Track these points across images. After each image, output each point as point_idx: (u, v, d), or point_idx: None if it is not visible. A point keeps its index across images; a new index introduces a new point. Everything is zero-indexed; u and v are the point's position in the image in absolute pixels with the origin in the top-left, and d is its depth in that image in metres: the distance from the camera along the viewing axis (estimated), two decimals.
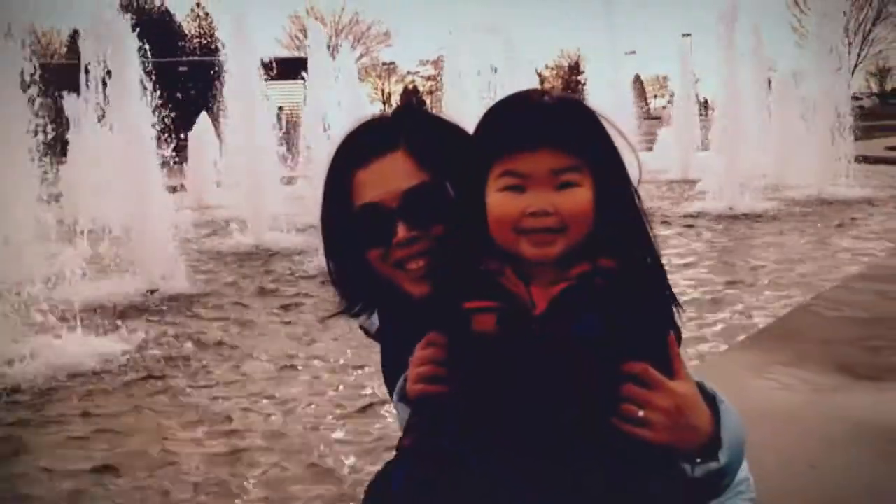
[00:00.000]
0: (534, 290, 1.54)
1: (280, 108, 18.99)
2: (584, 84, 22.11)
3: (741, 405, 1.77)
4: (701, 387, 1.64)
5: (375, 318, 2.03)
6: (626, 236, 1.59)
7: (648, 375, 1.53)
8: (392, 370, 1.92)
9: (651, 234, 1.63)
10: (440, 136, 1.82)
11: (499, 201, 1.55)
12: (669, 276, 1.65)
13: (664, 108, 34.78)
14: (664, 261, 1.67)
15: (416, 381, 1.63)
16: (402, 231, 1.78)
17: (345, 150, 1.91)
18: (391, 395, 1.92)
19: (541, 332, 1.51)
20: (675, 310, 1.62)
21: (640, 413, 1.51)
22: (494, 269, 1.57)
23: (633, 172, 1.63)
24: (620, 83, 27.06)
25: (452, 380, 1.58)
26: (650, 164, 19.97)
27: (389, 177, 1.80)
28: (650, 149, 24.27)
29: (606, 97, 23.20)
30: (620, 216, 1.58)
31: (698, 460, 1.59)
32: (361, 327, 2.08)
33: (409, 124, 1.88)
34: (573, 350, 1.48)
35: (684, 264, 9.17)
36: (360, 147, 1.88)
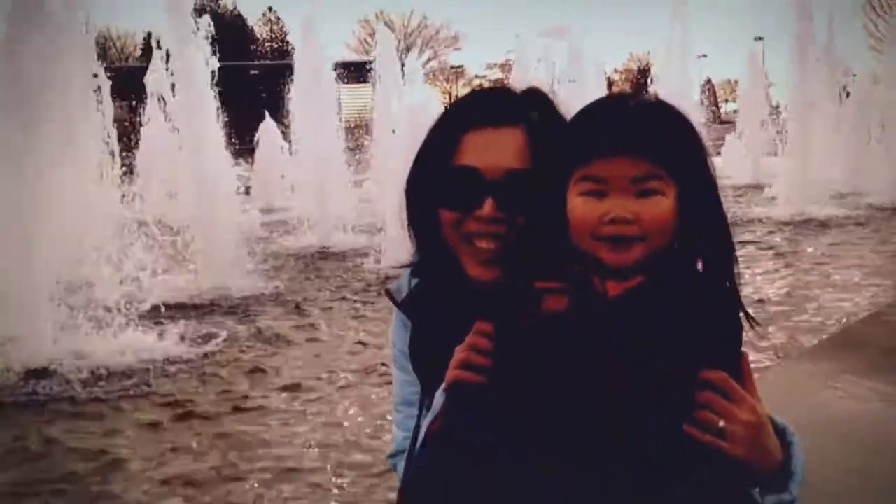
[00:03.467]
0: (609, 283, 1.52)
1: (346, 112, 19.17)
2: (653, 88, 21.76)
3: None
4: (770, 417, 1.56)
5: (405, 285, 1.93)
6: (708, 246, 1.55)
7: (729, 386, 1.47)
8: (422, 348, 1.85)
9: (734, 247, 1.57)
10: (557, 129, 1.70)
11: (579, 206, 1.53)
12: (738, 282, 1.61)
13: (735, 112, 34.19)
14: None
15: (456, 366, 1.58)
16: (488, 207, 1.69)
17: (462, 108, 1.83)
18: (416, 370, 1.87)
19: (610, 317, 1.47)
20: (749, 325, 1.56)
21: (721, 423, 1.44)
22: (572, 267, 1.54)
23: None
24: (690, 87, 26.74)
25: (493, 371, 1.54)
26: (719, 169, 19.69)
27: (499, 149, 1.71)
28: (718, 153, 23.95)
29: (675, 101, 22.86)
30: (704, 225, 1.55)
31: (770, 490, 1.51)
32: (387, 291, 1.95)
33: (535, 106, 1.78)
34: (639, 344, 1.43)
35: (752, 270, 9.03)
36: (480, 110, 1.78)
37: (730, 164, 21.71)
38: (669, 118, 1.56)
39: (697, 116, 23.46)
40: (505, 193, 1.69)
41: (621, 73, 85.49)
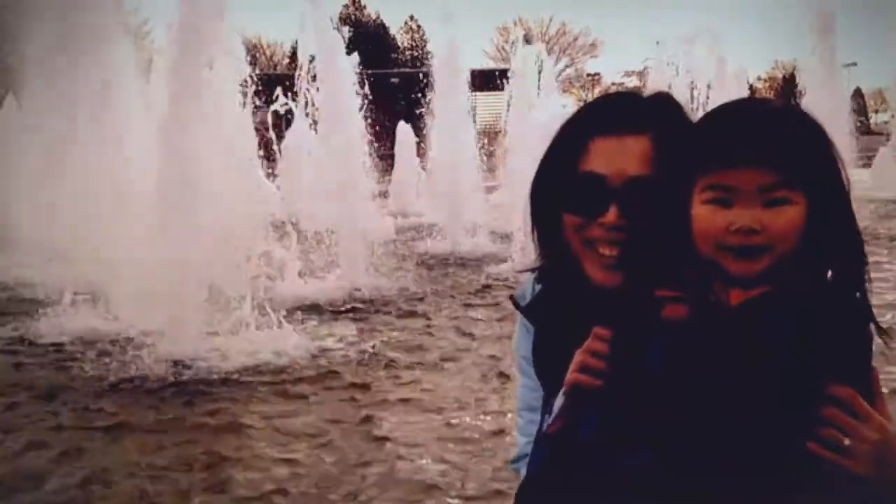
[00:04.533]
0: (732, 293, 1.50)
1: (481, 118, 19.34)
2: (801, 97, 21.02)
3: None
4: None
5: (528, 291, 1.95)
6: (838, 257, 1.51)
7: (856, 402, 1.43)
8: (545, 354, 1.87)
9: (865, 258, 1.53)
10: (684, 135, 1.68)
11: (703, 215, 1.50)
12: (881, 297, 1.56)
13: (886, 123, 32.61)
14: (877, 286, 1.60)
15: (574, 370, 1.60)
16: (612, 214, 1.71)
17: (590, 114, 1.84)
18: (539, 376, 1.88)
19: (732, 326, 1.45)
20: (880, 340, 1.51)
21: (847, 441, 1.41)
22: (695, 276, 1.53)
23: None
24: (838, 96, 25.68)
25: (610, 375, 1.55)
26: (867, 182, 18.85)
27: (625, 156, 1.72)
28: (867, 165, 22.89)
29: (822, 110, 22.03)
30: (834, 236, 1.50)
31: None
32: (511, 297, 1.98)
33: (663, 113, 1.77)
34: (761, 352, 1.41)
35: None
36: (607, 116, 1.79)
37: (881, 177, 20.72)
38: (800, 125, 1.52)
39: (845, 127, 22.58)
40: (629, 201, 1.70)
41: (765, 80, 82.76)
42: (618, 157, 1.72)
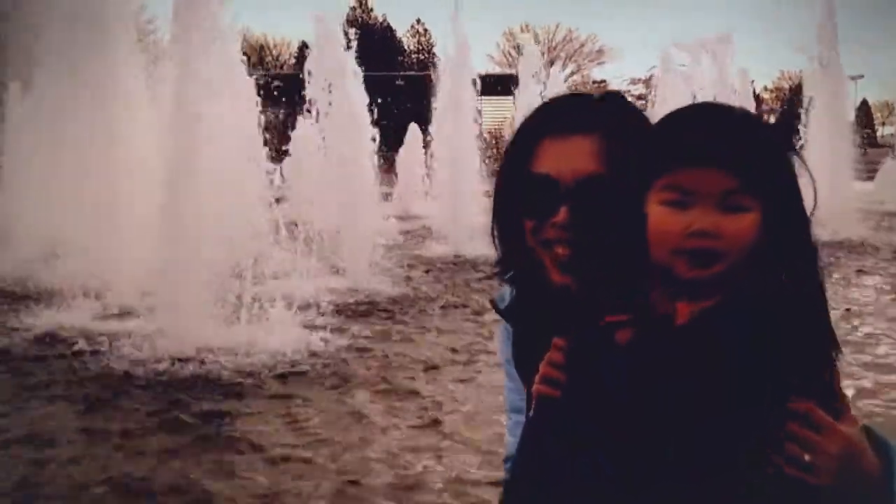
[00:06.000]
0: (679, 306, 1.47)
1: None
2: (807, 109, 21.01)
3: None
4: (869, 431, 1.52)
5: (506, 294, 1.96)
6: (791, 266, 1.46)
7: (815, 416, 1.43)
8: (523, 355, 1.89)
9: (820, 268, 1.51)
10: (637, 134, 1.67)
11: (659, 216, 1.48)
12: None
13: (893, 135, 32.64)
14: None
15: (538, 382, 1.62)
16: (562, 213, 1.70)
17: (541, 115, 1.84)
18: (521, 377, 1.90)
19: (680, 343, 1.43)
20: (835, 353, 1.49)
21: (807, 457, 1.41)
22: (643, 284, 1.50)
23: (808, 201, 1.53)
24: (844, 108, 25.66)
25: (567, 386, 1.56)
26: (871, 194, 18.88)
27: (575, 156, 1.71)
28: (871, 178, 22.91)
29: (828, 122, 22.11)
30: (788, 246, 1.47)
31: None
32: (491, 301, 1.99)
33: (612, 112, 1.78)
34: (711, 364, 1.38)
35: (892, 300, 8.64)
36: (555, 117, 1.79)
37: (884, 189, 20.74)
38: (761, 132, 1.52)
39: (850, 139, 22.60)
40: (580, 200, 1.69)
41: (771, 90, 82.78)
42: (567, 156, 1.73)
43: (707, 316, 1.44)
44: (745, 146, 1.46)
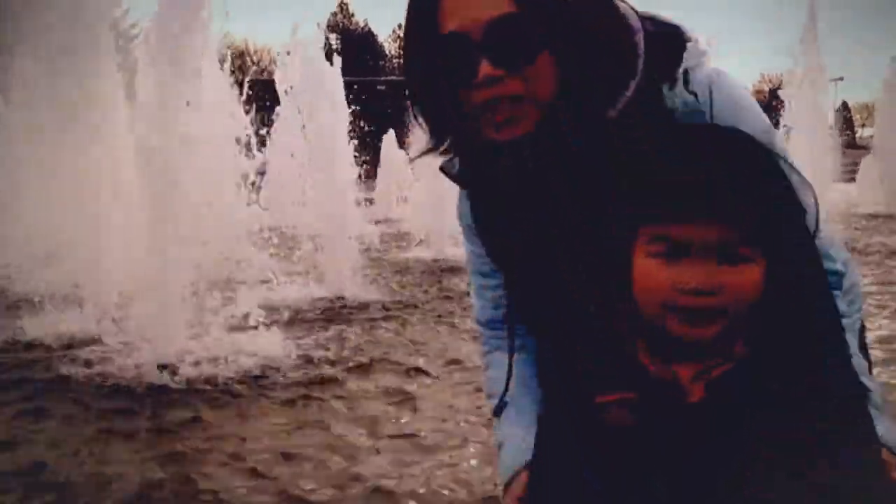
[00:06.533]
0: (677, 369, 1.29)
1: None
2: (784, 110, 21.17)
3: None
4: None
5: (457, 160, 1.78)
6: (802, 317, 1.28)
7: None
8: (482, 217, 1.80)
9: (838, 316, 1.34)
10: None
11: (648, 269, 1.28)
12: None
13: (872, 137, 32.96)
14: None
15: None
16: (484, 68, 1.47)
17: None
18: (483, 242, 1.84)
19: (697, 426, 1.24)
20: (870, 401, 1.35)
21: None
22: (631, 345, 1.32)
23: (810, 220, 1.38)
24: (824, 110, 25.89)
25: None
26: (851, 196, 19.01)
27: (476, 2, 1.48)
28: (852, 179, 23.08)
29: (808, 124, 22.30)
30: (799, 297, 1.28)
31: None
32: (442, 168, 1.82)
33: None
34: (735, 443, 1.21)
35: (878, 305, 8.67)
36: None
37: (865, 191, 20.93)
38: (760, 163, 1.29)
39: (830, 141, 22.76)
40: (494, 48, 1.47)
41: (753, 93, 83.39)
42: (466, 4, 1.50)
43: (726, 390, 1.26)
44: (747, 192, 1.24)
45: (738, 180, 1.23)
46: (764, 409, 1.21)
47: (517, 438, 1.68)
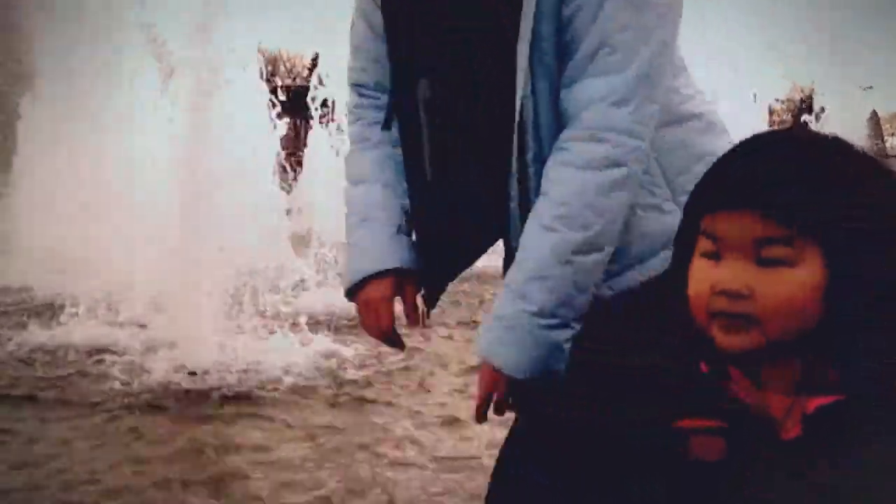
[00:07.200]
0: (770, 396, 1.14)
1: None
2: (817, 120, 21.00)
3: None
4: None
5: None
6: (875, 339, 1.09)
7: None
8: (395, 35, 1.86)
9: None
10: None
11: (695, 270, 1.18)
12: None
13: None
14: None
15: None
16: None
17: None
18: (394, 74, 1.93)
19: (795, 467, 1.09)
20: None
21: None
22: (712, 368, 1.17)
23: None
24: (854, 120, 25.60)
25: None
26: None
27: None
28: None
29: (842, 134, 22.13)
30: (864, 310, 1.09)
31: None
32: None
33: None
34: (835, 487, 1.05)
35: None
36: None
37: None
38: (829, 163, 1.15)
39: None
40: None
41: (783, 102, 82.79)
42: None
43: (829, 426, 1.09)
44: (792, 183, 1.11)
45: (790, 170, 1.11)
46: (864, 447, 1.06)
47: (378, 242, 1.76)
